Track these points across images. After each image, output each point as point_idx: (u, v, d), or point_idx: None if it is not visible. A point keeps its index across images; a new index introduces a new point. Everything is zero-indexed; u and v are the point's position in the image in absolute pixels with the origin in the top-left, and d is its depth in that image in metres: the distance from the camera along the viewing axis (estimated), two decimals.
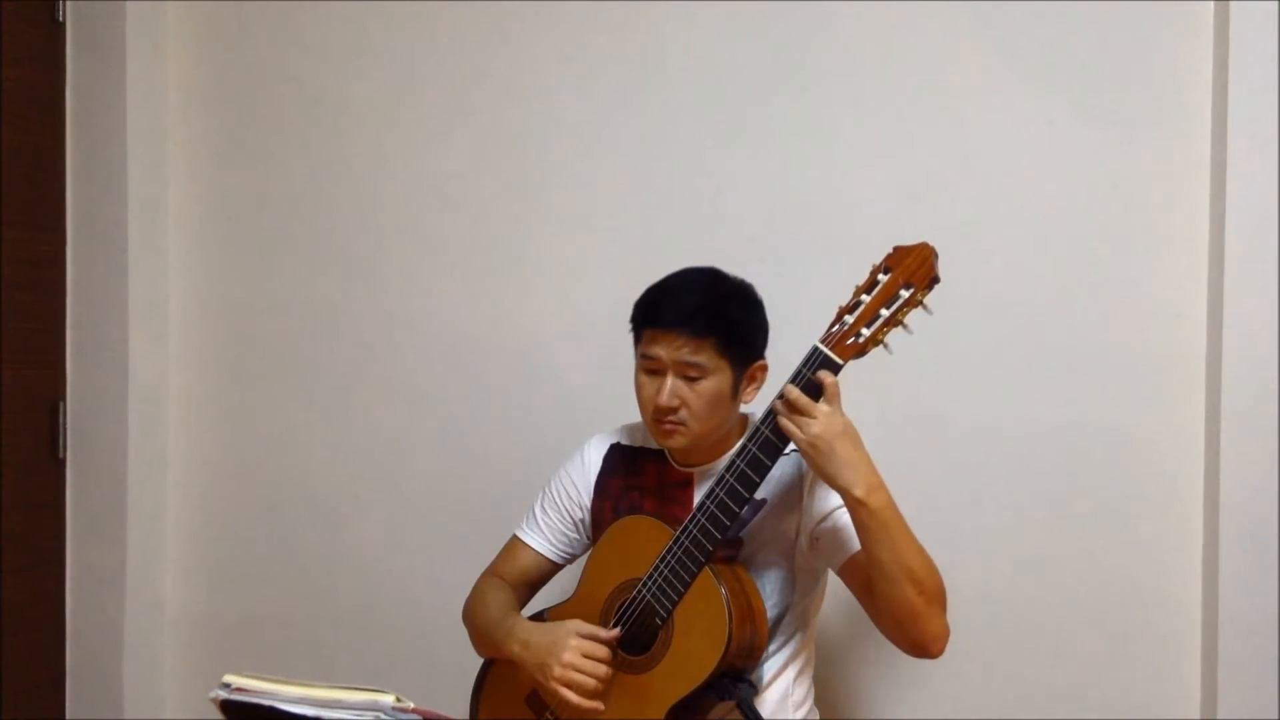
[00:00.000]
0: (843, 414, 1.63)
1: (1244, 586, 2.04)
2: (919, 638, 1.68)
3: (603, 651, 1.73)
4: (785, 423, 1.62)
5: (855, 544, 1.72)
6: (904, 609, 1.65)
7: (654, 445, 1.90)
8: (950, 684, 2.23)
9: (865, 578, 1.71)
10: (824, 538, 1.78)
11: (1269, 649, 2.03)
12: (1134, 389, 2.15)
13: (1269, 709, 2.03)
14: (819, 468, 1.63)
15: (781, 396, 1.64)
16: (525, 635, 1.79)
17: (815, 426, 1.60)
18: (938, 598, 1.68)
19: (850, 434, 1.62)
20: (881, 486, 1.62)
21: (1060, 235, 2.18)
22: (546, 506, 1.97)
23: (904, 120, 2.24)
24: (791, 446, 1.66)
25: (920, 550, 1.66)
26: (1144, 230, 2.15)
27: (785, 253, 2.28)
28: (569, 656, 1.71)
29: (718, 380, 1.75)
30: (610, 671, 1.73)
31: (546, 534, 1.96)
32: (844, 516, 1.73)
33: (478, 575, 1.99)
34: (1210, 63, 2.10)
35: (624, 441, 1.96)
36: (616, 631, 1.75)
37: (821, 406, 1.61)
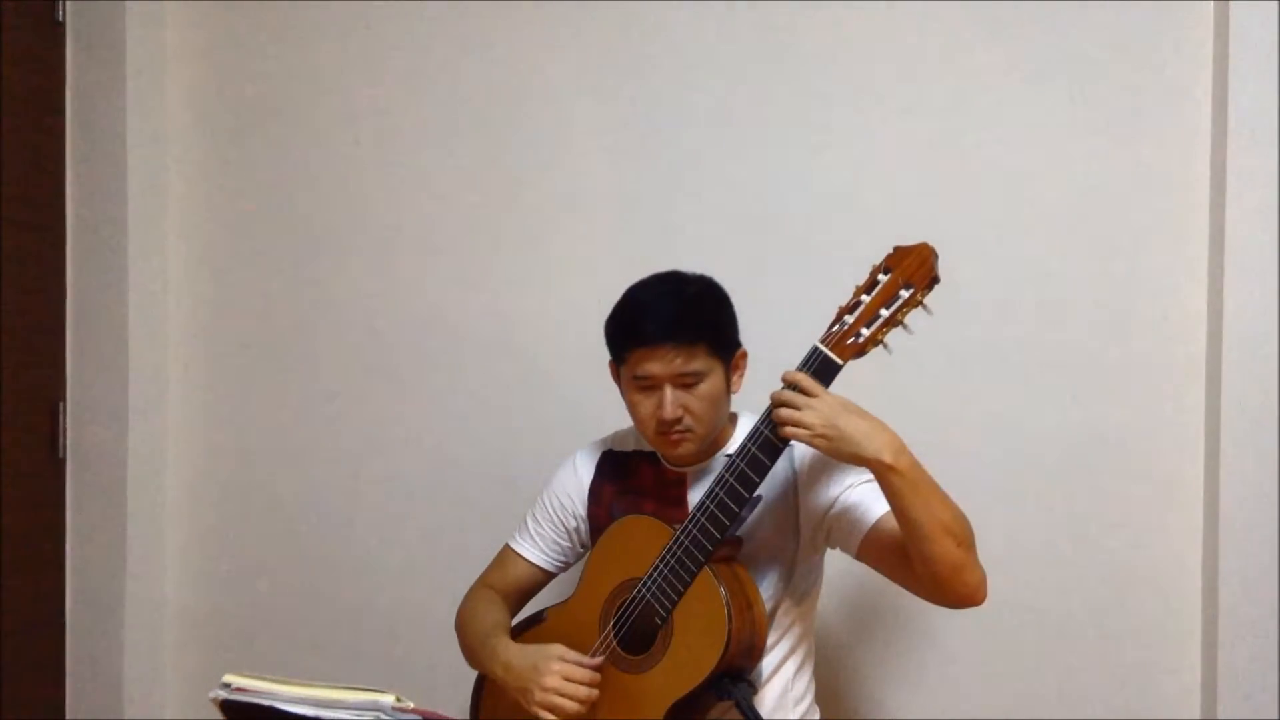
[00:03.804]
0: (829, 394, 1.62)
1: (1244, 586, 2.04)
2: (962, 589, 1.65)
3: (584, 674, 1.73)
4: (787, 429, 1.61)
5: (870, 518, 1.72)
6: (946, 565, 1.62)
7: (645, 448, 1.90)
8: (950, 683, 2.24)
9: (889, 548, 1.70)
10: (836, 525, 1.77)
11: (1269, 649, 2.03)
12: (1134, 389, 2.15)
13: (1269, 709, 2.03)
14: (838, 453, 1.61)
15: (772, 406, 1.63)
16: (507, 658, 1.79)
17: (811, 416, 1.59)
18: (972, 543, 1.65)
19: (849, 407, 1.61)
20: (904, 447, 1.60)
21: (1060, 235, 2.18)
22: (539, 517, 1.97)
23: (904, 120, 2.24)
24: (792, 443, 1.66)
25: (947, 500, 1.63)
26: (1144, 230, 2.15)
27: (785, 252, 2.28)
28: (550, 681, 1.71)
29: (714, 380, 1.76)
30: (593, 694, 1.72)
31: (539, 543, 1.96)
32: (851, 496, 1.74)
33: (476, 575, 1.99)
34: (1210, 63, 2.10)
35: (614, 448, 1.96)
36: (600, 660, 1.75)
37: (805, 399, 1.61)
